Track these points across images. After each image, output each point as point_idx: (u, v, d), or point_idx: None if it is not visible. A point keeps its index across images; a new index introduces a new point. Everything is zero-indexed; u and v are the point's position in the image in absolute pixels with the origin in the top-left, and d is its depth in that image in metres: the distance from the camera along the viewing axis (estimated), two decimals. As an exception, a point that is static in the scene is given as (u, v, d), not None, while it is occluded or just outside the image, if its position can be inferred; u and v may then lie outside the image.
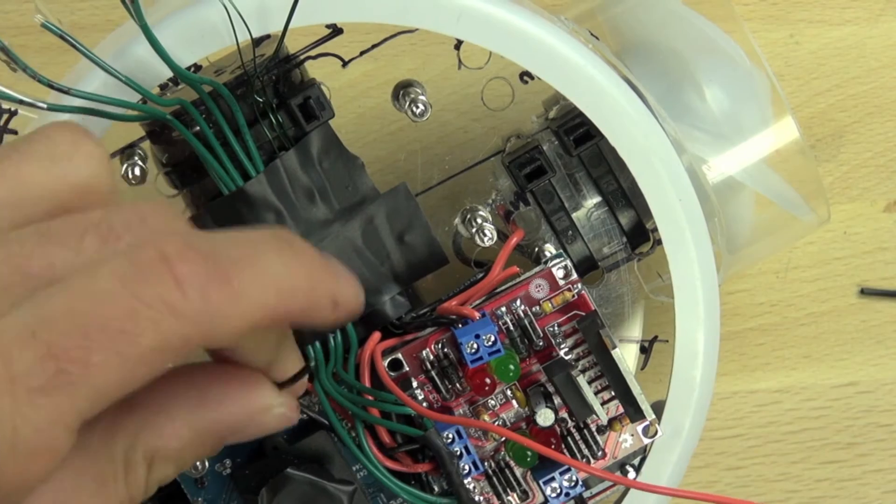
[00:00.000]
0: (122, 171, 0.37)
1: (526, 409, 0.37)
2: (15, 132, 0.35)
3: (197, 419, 0.26)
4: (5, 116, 0.35)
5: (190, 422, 0.26)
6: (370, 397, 0.36)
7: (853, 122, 0.48)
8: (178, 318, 0.22)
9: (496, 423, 0.37)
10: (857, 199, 0.48)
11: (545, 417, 0.37)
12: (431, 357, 0.37)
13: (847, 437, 0.47)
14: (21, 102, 0.32)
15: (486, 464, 0.37)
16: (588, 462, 0.38)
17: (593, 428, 0.38)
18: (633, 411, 0.37)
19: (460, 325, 0.36)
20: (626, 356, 0.37)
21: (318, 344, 0.37)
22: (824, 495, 0.47)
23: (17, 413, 0.22)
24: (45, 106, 0.33)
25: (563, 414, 0.37)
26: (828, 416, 0.47)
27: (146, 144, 0.37)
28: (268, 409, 0.27)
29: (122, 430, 0.25)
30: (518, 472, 0.38)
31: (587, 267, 0.39)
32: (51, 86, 0.32)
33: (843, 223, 0.48)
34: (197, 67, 0.38)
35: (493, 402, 0.37)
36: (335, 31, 0.37)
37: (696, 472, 0.47)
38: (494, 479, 0.38)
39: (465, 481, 0.37)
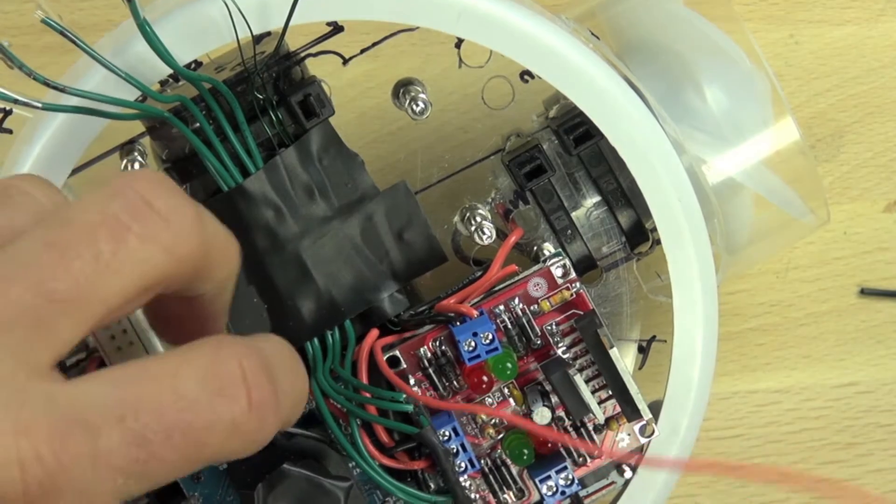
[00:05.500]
0: (122, 167, 0.37)
1: (523, 407, 0.37)
2: (10, 131, 0.35)
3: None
4: (0, 115, 0.35)
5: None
6: (367, 394, 0.36)
7: (853, 122, 0.48)
8: (242, 439, 0.24)
9: (492, 421, 0.37)
10: (857, 199, 0.48)
11: (542, 416, 0.37)
12: (429, 354, 0.37)
13: (847, 437, 0.47)
14: (16, 102, 0.32)
15: (482, 462, 0.37)
16: (585, 462, 0.38)
17: (590, 427, 0.38)
18: (630, 410, 0.37)
19: (458, 323, 0.36)
20: (625, 356, 0.37)
21: (315, 340, 0.37)
22: (824, 495, 0.47)
23: (94, 485, 0.22)
24: (40, 105, 0.33)
25: (560, 412, 0.37)
26: (828, 416, 0.47)
27: (146, 140, 0.37)
28: None
29: None
30: (514, 470, 0.38)
31: (586, 266, 0.39)
32: (47, 84, 0.32)
33: (843, 223, 0.48)
34: (198, 64, 0.38)
35: (490, 400, 0.37)
36: (336, 28, 0.37)
37: (696, 472, 0.47)
38: (490, 476, 0.38)
39: (461, 479, 0.37)
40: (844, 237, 0.48)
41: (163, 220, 0.24)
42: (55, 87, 0.33)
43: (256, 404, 0.24)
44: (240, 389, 0.24)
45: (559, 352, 0.37)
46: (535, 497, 0.38)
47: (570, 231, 0.38)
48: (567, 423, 0.38)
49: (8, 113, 0.35)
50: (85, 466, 0.22)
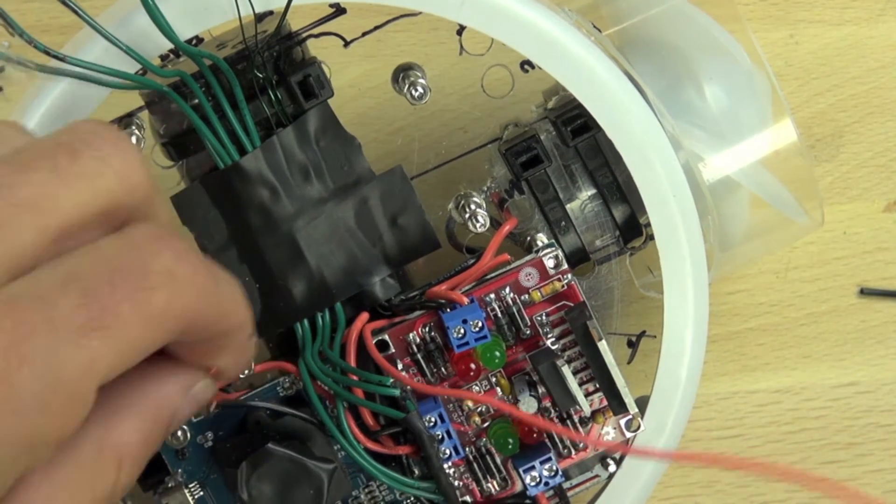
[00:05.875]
0: (119, 140, 0.37)
1: (510, 396, 0.37)
2: (0, 88, 0.35)
3: (144, 412, 0.27)
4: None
5: (140, 416, 0.27)
6: (354, 377, 0.36)
7: (853, 122, 0.48)
8: (178, 287, 0.25)
9: (479, 409, 0.37)
10: (857, 199, 0.48)
11: (528, 405, 0.37)
12: (418, 340, 0.37)
13: (847, 437, 0.47)
14: (9, 60, 0.32)
15: (467, 449, 0.38)
16: (570, 453, 0.38)
17: (576, 419, 0.38)
18: (617, 404, 0.37)
19: (448, 310, 0.36)
20: (614, 350, 0.37)
21: (305, 322, 0.37)
22: (824, 495, 0.47)
23: (59, 353, 0.23)
24: (34, 66, 0.33)
25: (547, 403, 0.37)
26: (828, 416, 0.47)
27: (144, 114, 0.37)
28: (192, 388, 0.29)
29: (87, 435, 0.26)
30: (499, 459, 0.38)
31: (578, 258, 0.39)
32: (47, 52, 0.32)
33: (842, 223, 0.48)
34: (199, 40, 0.38)
35: (477, 388, 0.37)
36: (338, 10, 0.37)
37: (696, 472, 0.47)
38: (475, 464, 0.38)
39: (445, 466, 0.37)
40: (844, 237, 0.48)
41: (113, 147, 0.26)
42: (55, 56, 0.33)
43: (182, 252, 0.25)
44: (159, 241, 0.25)
45: (548, 342, 0.37)
46: (519, 487, 0.38)
47: (563, 223, 0.38)
48: (553, 414, 0.38)
49: (-1, 70, 0.35)
50: (45, 331, 0.23)
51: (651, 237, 0.38)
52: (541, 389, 0.37)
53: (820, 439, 0.47)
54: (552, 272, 0.37)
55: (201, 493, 0.38)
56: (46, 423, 0.23)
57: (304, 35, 0.37)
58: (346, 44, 0.38)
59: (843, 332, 0.48)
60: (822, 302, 0.48)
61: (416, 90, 0.37)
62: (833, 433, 0.47)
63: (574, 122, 0.38)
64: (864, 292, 0.48)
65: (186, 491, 0.37)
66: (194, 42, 0.37)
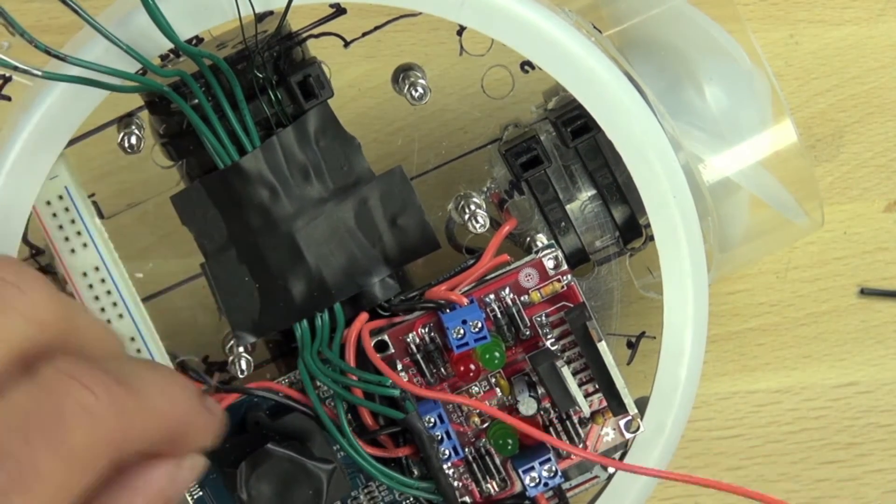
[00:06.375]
0: (119, 140, 0.37)
1: (509, 397, 0.37)
2: (8, 98, 0.35)
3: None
4: (0, 82, 0.35)
5: None
6: (354, 377, 0.36)
7: (853, 122, 0.48)
8: (96, 419, 0.25)
9: (478, 410, 0.37)
10: (857, 199, 0.48)
11: (528, 406, 0.37)
12: (417, 341, 0.37)
13: (847, 437, 0.47)
14: (16, 69, 0.32)
15: (466, 450, 0.37)
16: (569, 455, 0.38)
17: (575, 420, 0.38)
18: (616, 405, 0.37)
19: (448, 311, 0.36)
20: (614, 351, 0.37)
21: (304, 322, 0.37)
22: (824, 495, 0.47)
23: None
24: (40, 73, 0.33)
25: (546, 404, 0.37)
26: (828, 416, 0.47)
27: (144, 114, 0.37)
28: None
29: None
30: (498, 459, 0.38)
31: (578, 259, 0.39)
32: (48, 52, 0.32)
33: (843, 223, 0.48)
34: (199, 40, 0.38)
35: (476, 388, 0.37)
36: (338, 10, 0.37)
37: (695, 472, 0.46)
38: (474, 465, 0.38)
39: (445, 466, 0.37)
40: (844, 237, 0.48)
41: (14, 288, 0.25)
42: (56, 56, 0.33)
43: (95, 382, 0.25)
44: (72, 382, 0.25)
45: (548, 343, 0.37)
46: (518, 488, 0.38)
47: (563, 223, 0.38)
48: (553, 414, 0.38)
49: (7, 80, 0.35)
50: None
51: (651, 238, 0.38)
52: (540, 390, 0.37)
53: (820, 439, 0.47)
54: (552, 273, 0.37)
55: (200, 493, 0.38)
56: None
57: (304, 35, 0.37)
58: (347, 44, 0.38)
59: (843, 332, 0.48)
60: (822, 302, 0.48)
61: (416, 90, 0.37)
62: (833, 433, 0.47)
63: (574, 122, 0.38)
64: (865, 292, 0.48)
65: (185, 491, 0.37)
66: (194, 42, 0.37)
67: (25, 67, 0.32)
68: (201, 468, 0.29)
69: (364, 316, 0.37)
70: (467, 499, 0.38)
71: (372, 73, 0.46)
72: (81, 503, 0.25)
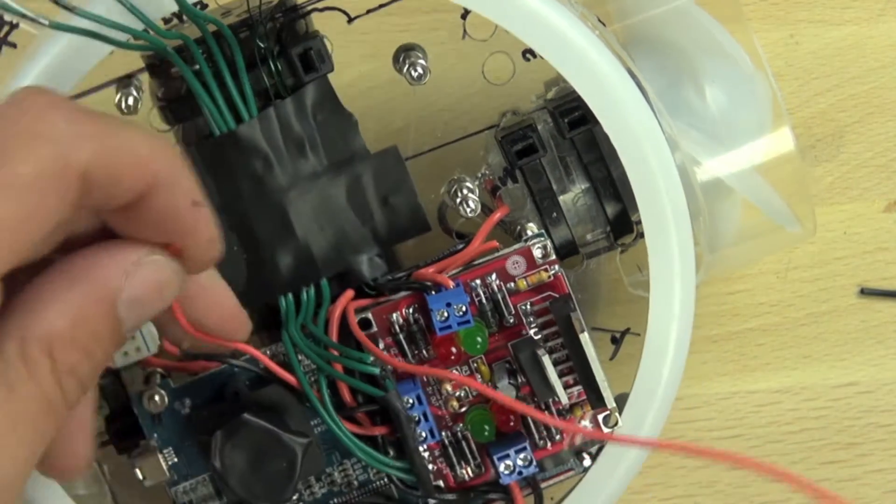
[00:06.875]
0: (116, 100, 0.37)
1: (489, 383, 0.37)
2: (14, 45, 0.35)
3: (73, 294, 0.26)
4: (6, 28, 0.35)
5: (67, 299, 0.26)
6: (336, 352, 0.36)
7: (853, 122, 0.48)
8: (70, 135, 0.25)
9: (457, 394, 0.37)
10: (857, 199, 0.48)
11: (506, 393, 0.37)
12: (401, 321, 0.37)
13: (847, 437, 0.47)
14: (23, 16, 0.32)
15: (443, 433, 0.37)
16: (546, 445, 0.38)
17: (554, 410, 0.38)
18: (595, 398, 0.37)
19: (433, 293, 0.36)
20: (599, 347, 0.37)
21: (290, 295, 0.37)
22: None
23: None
24: (47, 23, 0.33)
25: (525, 393, 0.37)
26: (828, 416, 0.47)
27: (143, 77, 0.37)
28: (136, 263, 0.27)
29: (9, 332, 0.25)
30: (474, 445, 0.38)
31: (568, 251, 0.39)
32: (56, 2, 0.32)
33: (843, 223, 0.48)
34: (203, 6, 0.38)
35: (457, 372, 0.37)
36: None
37: (695, 472, 0.46)
38: (450, 449, 0.38)
39: (421, 448, 0.37)
40: (844, 237, 0.47)
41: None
42: (64, 6, 0.33)
43: (68, 107, 0.25)
44: (47, 103, 0.25)
45: (531, 332, 0.37)
46: (492, 475, 0.38)
47: (555, 214, 0.38)
48: (531, 404, 0.37)
49: (14, 26, 0.35)
50: None
51: (641, 235, 0.38)
52: (520, 378, 0.37)
53: (820, 439, 0.47)
54: (540, 262, 0.37)
55: (175, 459, 0.38)
56: None
57: (309, 8, 0.37)
58: (350, 20, 0.38)
59: (844, 332, 0.48)
60: (822, 302, 0.48)
61: (416, 70, 0.37)
62: (833, 433, 0.47)
63: (572, 113, 0.38)
64: (865, 292, 0.47)
65: (160, 456, 0.37)
66: (198, 7, 0.37)
67: (32, 16, 0.32)
68: (170, 277, 0.28)
69: (350, 293, 0.37)
70: (441, 483, 0.38)
71: (372, 74, 0.46)
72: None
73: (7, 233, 0.24)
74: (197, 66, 0.35)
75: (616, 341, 0.41)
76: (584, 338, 0.36)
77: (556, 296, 0.37)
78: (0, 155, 0.24)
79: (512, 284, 0.37)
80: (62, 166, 0.24)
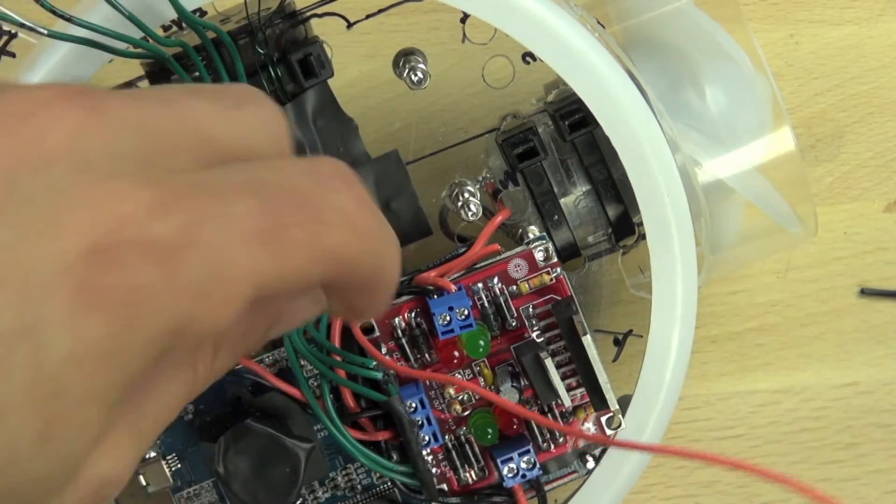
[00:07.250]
0: (117, 108, 0.37)
1: (492, 386, 0.37)
2: (13, 55, 0.35)
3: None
4: (4, 38, 0.35)
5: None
6: (339, 358, 0.36)
7: (853, 122, 0.48)
8: (353, 232, 0.23)
9: (460, 398, 0.37)
10: (857, 199, 0.48)
11: (510, 397, 0.37)
12: (403, 325, 0.37)
13: (847, 437, 0.47)
14: (22, 26, 0.32)
15: (446, 437, 0.37)
16: (549, 448, 0.38)
17: (557, 413, 0.38)
18: (598, 400, 0.37)
19: (435, 296, 0.36)
20: (602, 349, 0.37)
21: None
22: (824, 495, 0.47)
23: (225, 249, 0.21)
24: (45, 32, 0.33)
25: (528, 396, 0.37)
26: (828, 417, 0.47)
27: (143, 84, 0.37)
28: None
29: None
30: (477, 448, 0.38)
31: (569, 253, 0.39)
32: (53, 12, 0.32)
33: (843, 223, 0.48)
34: (202, 13, 0.38)
35: (459, 376, 0.37)
36: (343, -9, 0.37)
37: (695, 472, 0.46)
38: (453, 452, 0.38)
39: (424, 452, 0.37)
40: (844, 237, 0.47)
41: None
42: (62, 16, 0.33)
43: (363, 200, 0.24)
44: (342, 182, 0.24)
45: (533, 335, 0.37)
46: (496, 478, 0.38)
47: (556, 217, 0.38)
48: (534, 407, 0.38)
49: (13, 36, 0.35)
50: (218, 224, 0.21)
51: (643, 236, 0.38)
52: (523, 382, 0.37)
53: (820, 439, 0.47)
54: (541, 265, 0.37)
55: (178, 465, 0.38)
56: (198, 312, 0.21)
57: (308, 14, 0.37)
58: (350, 25, 0.38)
59: (844, 332, 0.47)
60: (822, 302, 0.48)
61: (416, 75, 0.37)
62: (833, 433, 0.47)
63: (572, 116, 0.38)
64: (865, 292, 0.47)
65: (164, 462, 0.37)
66: (197, 14, 0.37)
67: (31, 25, 0.32)
68: (319, 311, 0.27)
69: (352, 297, 0.37)
70: (444, 486, 0.38)
71: (372, 74, 0.46)
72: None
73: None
74: (197, 74, 0.35)
75: (619, 343, 0.41)
76: (587, 340, 0.36)
77: (559, 298, 0.37)
78: None
79: (514, 287, 0.37)
80: None
